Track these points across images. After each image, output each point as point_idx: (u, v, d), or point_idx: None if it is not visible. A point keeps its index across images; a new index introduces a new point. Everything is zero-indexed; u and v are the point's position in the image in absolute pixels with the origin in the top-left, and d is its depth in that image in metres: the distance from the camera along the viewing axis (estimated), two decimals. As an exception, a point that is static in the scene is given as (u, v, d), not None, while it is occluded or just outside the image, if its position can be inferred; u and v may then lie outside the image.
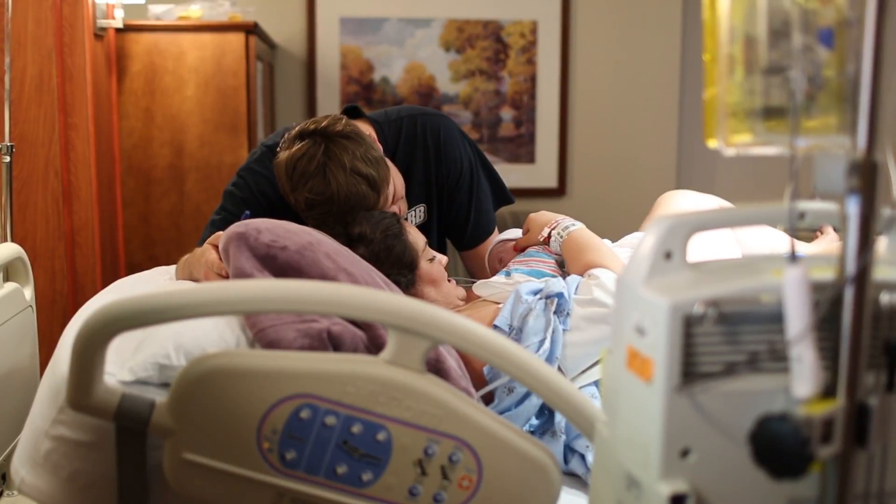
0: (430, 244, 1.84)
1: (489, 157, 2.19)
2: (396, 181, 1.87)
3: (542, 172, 4.07)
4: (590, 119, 4.08)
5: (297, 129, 1.79)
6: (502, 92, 4.01)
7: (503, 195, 2.16)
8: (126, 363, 1.25)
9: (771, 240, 2.06)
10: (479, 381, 1.57)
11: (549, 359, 1.56)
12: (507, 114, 4.02)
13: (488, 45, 3.97)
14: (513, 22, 3.97)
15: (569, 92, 4.04)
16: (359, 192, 1.72)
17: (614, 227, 2.49)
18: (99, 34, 2.96)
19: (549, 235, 1.88)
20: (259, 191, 1.93)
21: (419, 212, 2.03)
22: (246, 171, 1.97)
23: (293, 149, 1.75)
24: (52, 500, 1.25)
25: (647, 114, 4.10)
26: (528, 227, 1.95)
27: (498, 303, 1.70)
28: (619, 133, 4.10)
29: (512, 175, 3.98)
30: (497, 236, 2.10)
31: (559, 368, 1.58)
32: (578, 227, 1.85)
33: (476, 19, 3.95)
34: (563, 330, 1.59)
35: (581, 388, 1.58)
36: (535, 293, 1.64)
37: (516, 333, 1.59)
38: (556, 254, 1.88)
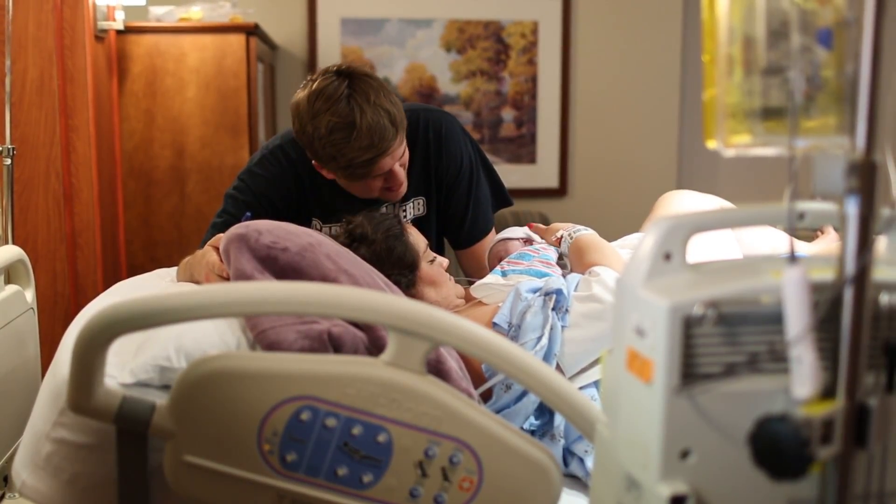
0: (429, 240, 1.84)
1: (490, 158, 2.19)
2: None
3: (543, 173, 4.07)
4: (591, 119, 4.08)
5: (316, 73, 1.79)
6: (503, 92, 4.01)
7: (502, 197, 2.16)
8: (127, 365, 1.25)
9: (772, 240, 2.06)
10: (479, 378, 1.58)
11: (547, 356, 1.56)
12: (508, 114, 4.02)
13: (489, 45, 3.97)
14: (513, 22, 3.97)
15: (570, 92, 4.04)
16: (381, 124, 1.72)
17: (615, 228, 2.49)
18: (100, 36, 2.96)
19: (561, 237, 1.91)
20: (260, 193, 1.94)
21: (418, 204, 2.03)
22: (247, 175, 1.97)
23: (315, 83, 1.75)
24: (53, 502, 1.25)
25: (648, 114, 4.10)
26: (550, 229, 1.99)
27: (497, 304, 1.70)
28: (620, 133, 4.10)
29: (513, 175, 3.98)
30: (495, 236, 2.10)
31: (558, 366, 1.58)
32: (589, 231, 1.87)
33: (477, 20, 3.95)
34: (562, 327, 1.59)
35: (581, 388, 1.58)
36: (535, 291, 1.64)
37: (515, 331, 1.59)
38: (562, 254, 1.90)
